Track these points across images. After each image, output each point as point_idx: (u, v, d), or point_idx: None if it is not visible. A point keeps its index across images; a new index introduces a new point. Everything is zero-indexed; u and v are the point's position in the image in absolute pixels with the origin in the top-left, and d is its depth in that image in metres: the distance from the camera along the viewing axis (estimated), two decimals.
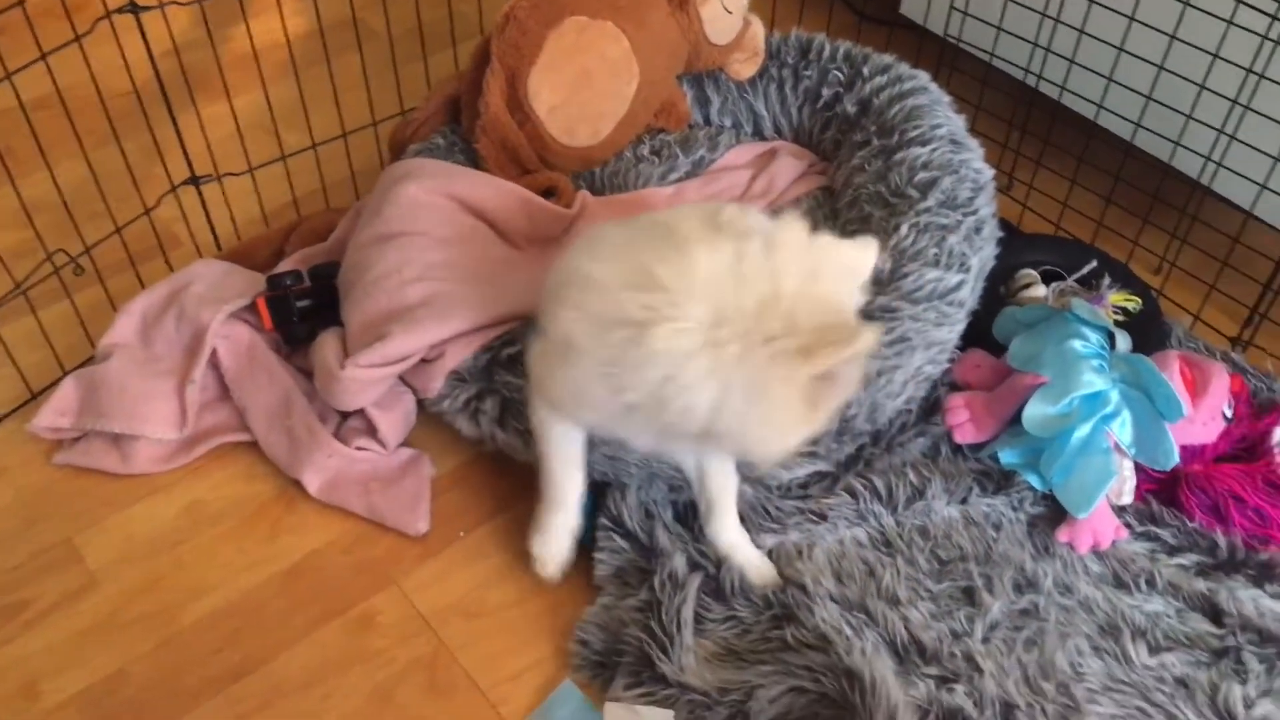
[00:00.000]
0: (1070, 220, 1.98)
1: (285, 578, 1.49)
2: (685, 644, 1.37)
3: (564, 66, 1.79)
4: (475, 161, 1.85)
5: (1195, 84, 1.73)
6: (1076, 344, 1.50)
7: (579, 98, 1.81)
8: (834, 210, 1.82)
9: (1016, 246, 1.80)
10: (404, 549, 1.53)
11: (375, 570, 1.50)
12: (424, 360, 1.57)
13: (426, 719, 1.36)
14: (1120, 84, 1.83)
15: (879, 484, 1.54)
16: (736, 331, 1.12)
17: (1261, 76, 1.67)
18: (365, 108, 1.93)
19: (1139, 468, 1.53)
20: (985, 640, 1.40)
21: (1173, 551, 1.52)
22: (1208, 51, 1.70)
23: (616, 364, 1.17)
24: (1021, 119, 1.99)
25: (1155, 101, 1.80)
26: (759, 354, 1.12)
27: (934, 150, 1.68)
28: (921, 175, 1.65)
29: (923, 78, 1.85)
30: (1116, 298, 1.74)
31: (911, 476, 1.55)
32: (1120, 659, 1.40)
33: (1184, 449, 1.52)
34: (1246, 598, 1.46)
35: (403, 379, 1.61)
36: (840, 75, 1.91)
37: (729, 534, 1.44)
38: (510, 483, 1.58)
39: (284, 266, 1.76)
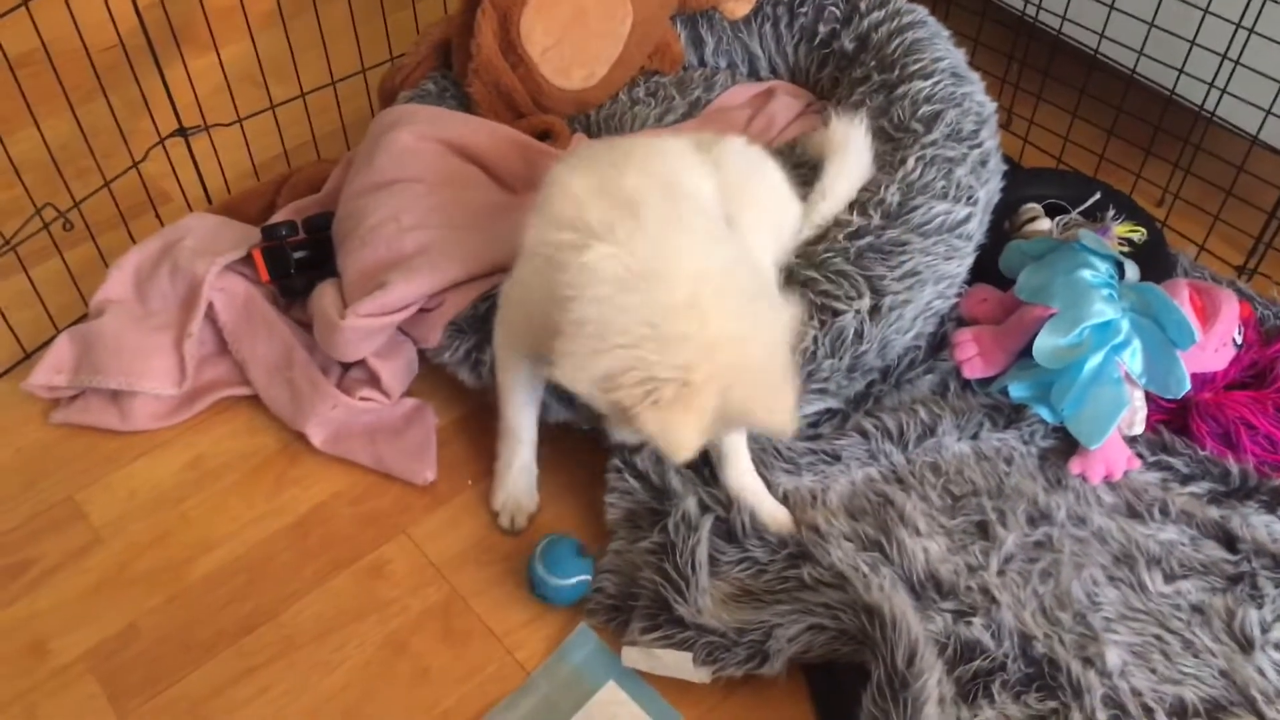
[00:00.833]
0: (1071, 154, 1.96)
1: (293, 530, 1.47)
2: (701, 585, 1.36)
3: (557, 6, 1.75)
4: (467, 106, 1.82)
5: (1199, 8, 1.71)
6: (1086, 274, 1.49)
7: (573, 38, 1.77)
8: None
9: (1019, 180, 1.78)
10: (412, 498, 1.51)
11: (384, 520, 1.49)
12: (423, 310, 1.55)
13: (442, 667, 1.35)
14: (1123, 11, 1.81)
15: (889, 422, 1.52)
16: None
17: None
18: (354, 55, 1.89)
19: (1149, 397, 1.52)
20: (1000, 573, 1.39)
21: (1185, 480, 1.51)
22: None
23: (558, 266, 1.18)
24: (1021, 53, 1.96)
25: (1158, 28, 1.77)
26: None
27: (936, 84, 1.66)
28: (925, 109, 1.63)
29: (921, 12, 1.82)
30: (1121, 229, 1.73)
31: (922, 414, 1.53)
32: (1136, 588, 1.40)
33: (1194, 377, 1.51)
34: (1259, 523, 1.45)
35: (403, 329, 1.59)
36: (837, 11, 1.88)
37: (744, 479, 1.43)
38: None
39: (278, 218, 1.73)
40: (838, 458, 1.50)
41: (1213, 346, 1.52)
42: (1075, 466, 1.50)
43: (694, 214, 1.24)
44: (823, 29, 1.90)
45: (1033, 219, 1.75)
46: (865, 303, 1.44)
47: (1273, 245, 1.80)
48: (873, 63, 1.78)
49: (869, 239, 1.48)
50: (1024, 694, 1.28)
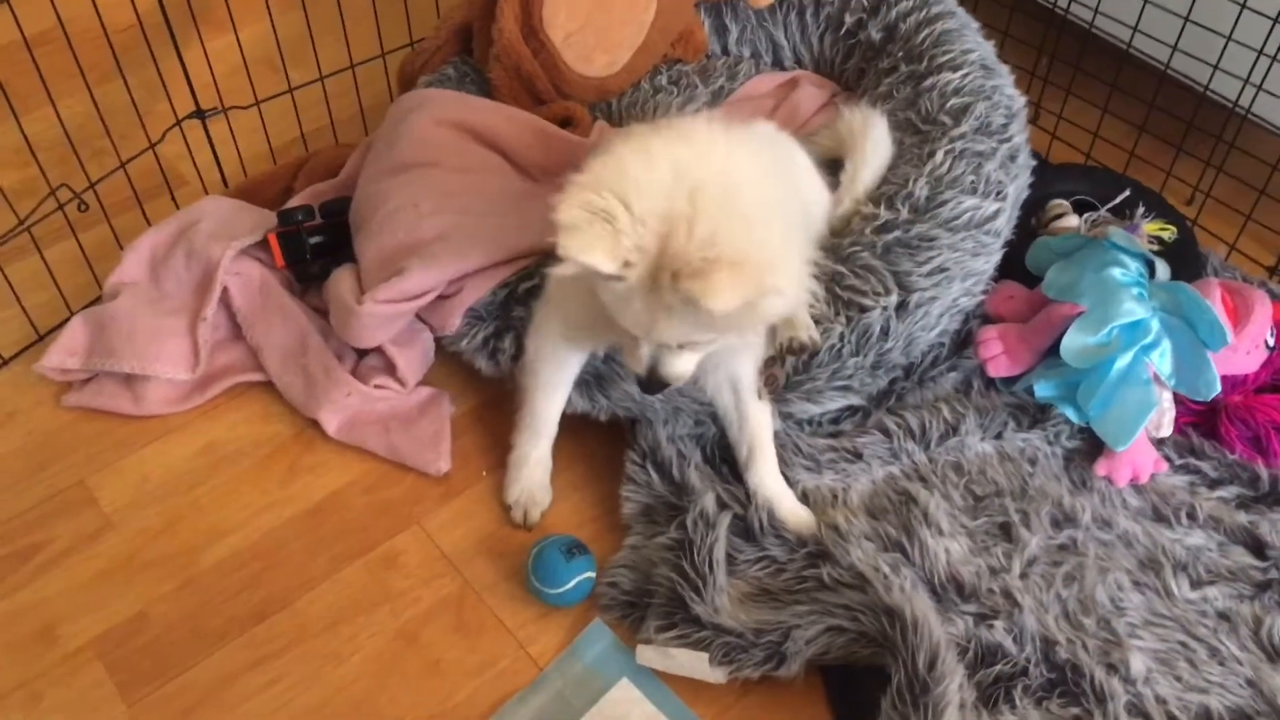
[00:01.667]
0: (1101, 150, 1.93)
1: (306, 518, 1.46)
2: (719, 584, 1.34)
3: None
4: (488, 92, 1.80)
5: (1236, 2, 1.67)
6: (1116, 272, 1.46)
7: (596, 24, 1.75)
8: None
9: (1047, 176, 1.75)
10: (425, 489, 1.50)
11: (397, 510, 1.47)
12: (441, 296, 1.53)
13: (454, 659, 1.34)
14: (1157, 5, 1.77)
15: (912, 421, 1.50)
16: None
17: None
18: (373, 39, 1.87)
19: (1177, 399, 1.49)
20: (1023, 576, 1.37)
21: (1213, 484, 1.49)
22: None
23: None
24: (1051, 46, 1.93)
25: (1193, 23, 1.74)
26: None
27: (966, 76, 1.63)
28: (954, 101, 1.59)
29: (950, 2, 1.79)
30: (1151, 226, 1.69)
31: (945, 412, 1.51)
32: (1161, 593, 1.37)
33: (1224, 379, 1.47)
34: None
35: (420, 317, 1.57)
36: (864, 1, 1.85)
37: (770, 480, 1.41)
38: None
39: (294, 202, 1.71)
40: (859, 455, 1.47)
41: (1244, 348, 1.49)
42: (1101, 468, 1.48)
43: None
44: (849, 19, 1.87)
45: (1060, 215, 1.72)
46: (893, 299, 1.41)
47: None
48: (900, 54, 1.75)
49: (897, 233, 1.45)
50: (1046, 700, 1.25)
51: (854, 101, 1.75)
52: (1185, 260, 1.65)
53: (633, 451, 1.46)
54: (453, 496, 1.49)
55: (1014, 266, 1.60)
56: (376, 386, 1.53)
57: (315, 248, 1.62)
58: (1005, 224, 1.52)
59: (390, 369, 1.55)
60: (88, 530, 1.44)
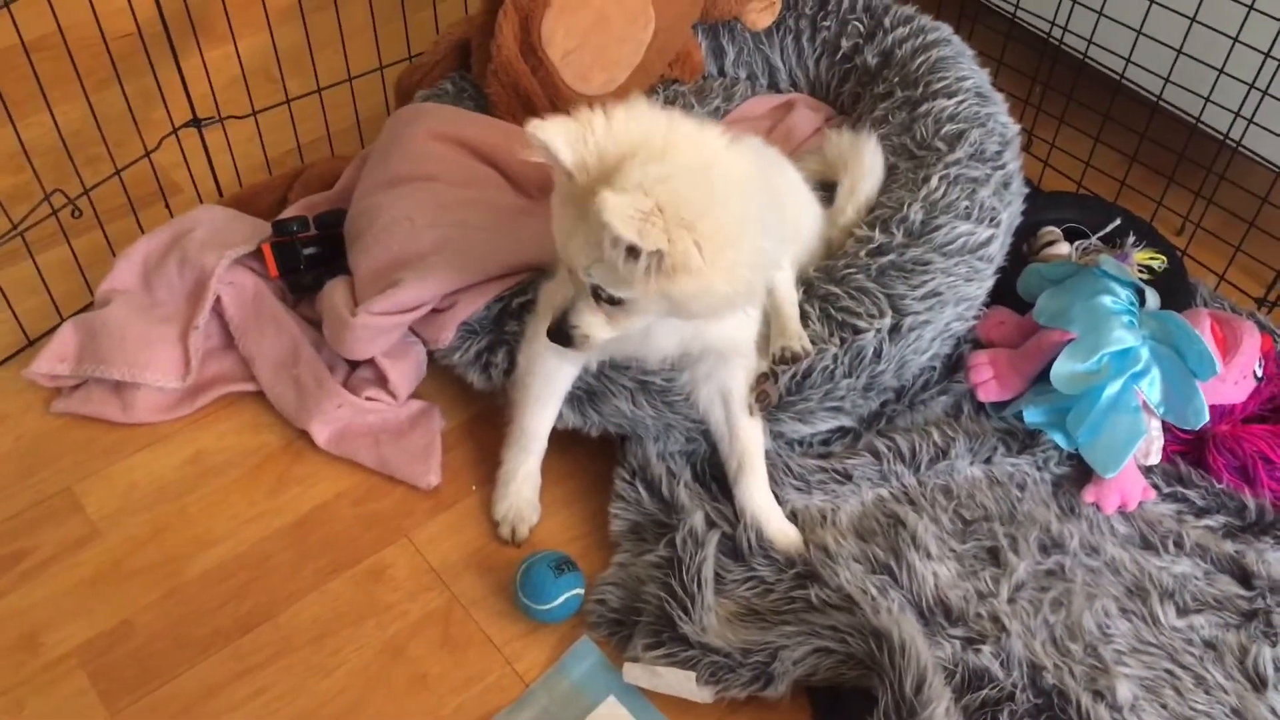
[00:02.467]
0: (1092, 179, 1.94)
1: (293, 530, 1.45)
2: (706, 603, 1.33)
3: (580, 10, 1.73)
4: (485, 108, 1.80)
5: (1228, 36, 1.69)
6: (1106, 300, 1.47)
7: (594, 43, 1.76)
8: None
9: (1039, 204, 1.76)
10: (414, 502, 1.49)
11: (385, 523, 1.47)
12: (435, 310, 1.53)
13: (440, 675, 1.33)
14: (1150, 37, 1.79)
15: (902, 444, 1.50)
16: None
17: None
18: (372, 52, 1.88)
19: (1166, 428, 1.50)
20: (1011, 601, 1.37)
21: (1200, 513, 1.49)
22: (1242, 2, 1.66)
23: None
24: (1045, 75, 1.94)
25: (1185, 55, 1.75)
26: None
27: (960, 103, 1.64)
28: (948, 128, 1.61)
29: (945, 30, 1.81)
30: (1141, 255, 1.71)
31: (935, 435, 1.51)
32: (1148, 620, 1.37)
33: (1212, 409, 1.49)
34: (1275, 559, 1.44)
35: (413, 330, 1.56)
36: (861, 26, 1.87)
37: (758, 498, 1.41)
38: None
39: (289, 213, 1.71)
40: (849, 477, 1.48)
41: (1233, 379, 1.50)
42: (1089, 495, 1.48)
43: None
44: (845, 43, 1.88)
45: (1052, 243, 1.74)
46: (886, 322, 1.42)
47: None
48: (896, 79, 1.76)
49: (891, 257, 1.46)
50: None
51: (843, 126, 1.76)
52: (1175, 290, 1.66)
53: (622, 468, 1.46)
54: (442, 510, 1.48)
55: (1006, 292, 1.61)
56: (368, 399, 1.53)
57: (309, 259, 1.61)
58: (998, 250, 1.53)
59: (382, 381, 1.54)
60: (73, 537, 1.43)
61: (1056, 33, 1.94)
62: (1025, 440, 1.54)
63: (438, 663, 1.34)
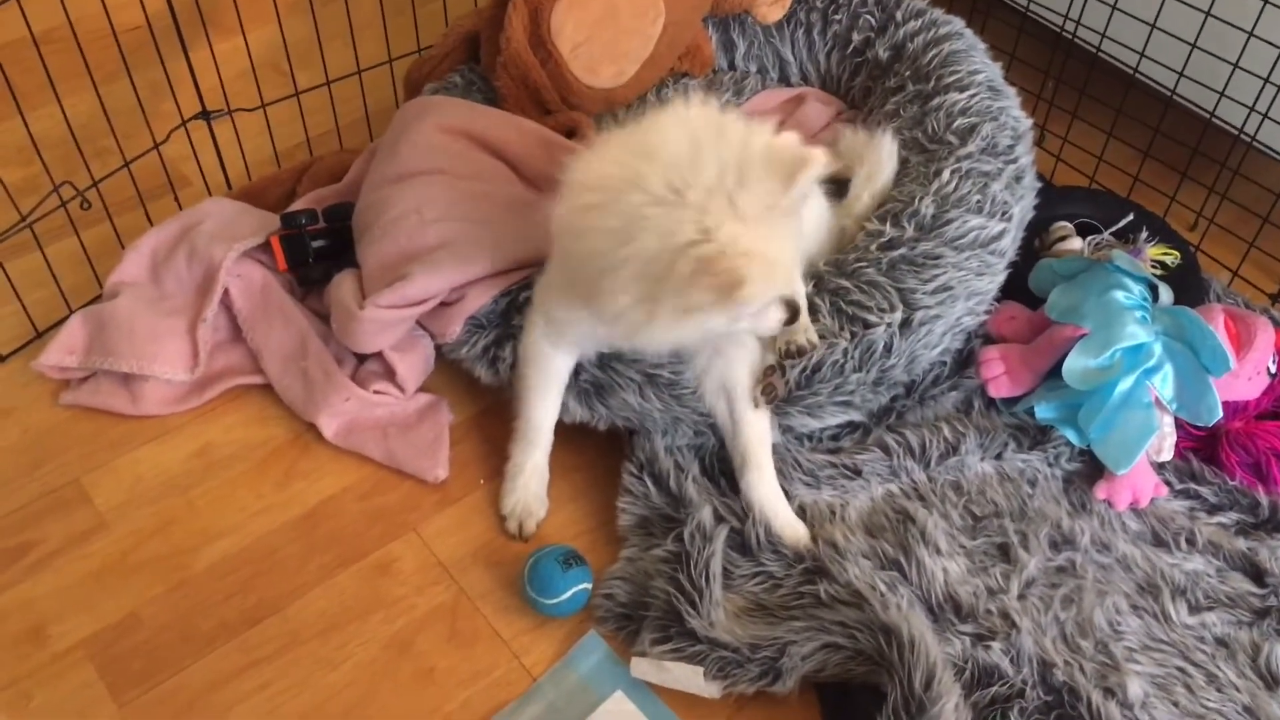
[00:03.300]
0: (1105, 174, 1.93)
1: (301, 523, 1.45)
2: (715, 598, 1.33)
3: (589, 3, 1.73)
4: (494, 101, 1.79)
5: (1243, 30, 1.68)
6: (1119, 295, 1.46)
7: (603, 35, 1.75)
8: None
9: (1051, 199, 1.74)
10: (421, 496, 1.49)
11: (392, 517, 1.46)
12: (443, 303, 1.53)
13: (447, 669, 1.33)
14: (1164, 31, 1.78)
15: (912, 439, 1.50)
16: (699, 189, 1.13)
17: None
18: (381, 45, 1.87)
19: (1178, 424, 1.49)
20: (1021, 597, 1.36)
21: (1213, 510, 1.48)
22: None
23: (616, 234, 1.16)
24: (1058, 69, 1.93)
25: (1200, 49, 1.74)
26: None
27: (973, 96, 1.63)
28: (960, 121, 1.60)
29: (958, 23, 1.80)
30: (1154, 251, 1.70)
31: (945, 431, 1.51)
32: (1160, 618, 1.36)
33: (1225, 405, 1.47)
34: None
35: (420, 323, 1.56)
36: (872, 20, 1.85)
37: (763, 490, 1.40)
38: None
39: (297, 206, 1.71)
40: (858, 472, 1.47)
41: (1246, 375, 1.49)
42: (1101, 491, 1.47)
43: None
44: (856, 37, 1.87)
45: (1064, 238, 1.72)
46: (897, 316, 1.41)
47: None
48: (907, 73, 1.75)
49: (902, 250, 1.45)
50: None
51: (856, 122, 1.75)
52: (1188, 286, 1.65)
53: (630, 462, 1.46)
54: (449, 504, 1.48)
55: (1017, 288, 1.59)
56: (376, 392, 1.53)
57: (318, 251, 1.61)
58: (1010, 244, 1.52)
59: (390, 375, 1.54)
60: (81, 529, 1.43)
61: (1070, 26, 1.93)
62: (1036, 436, 1.52)
63: (445, 657, 1.34)
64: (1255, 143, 1.77)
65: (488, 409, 1.58)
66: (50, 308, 1.63)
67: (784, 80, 1.97)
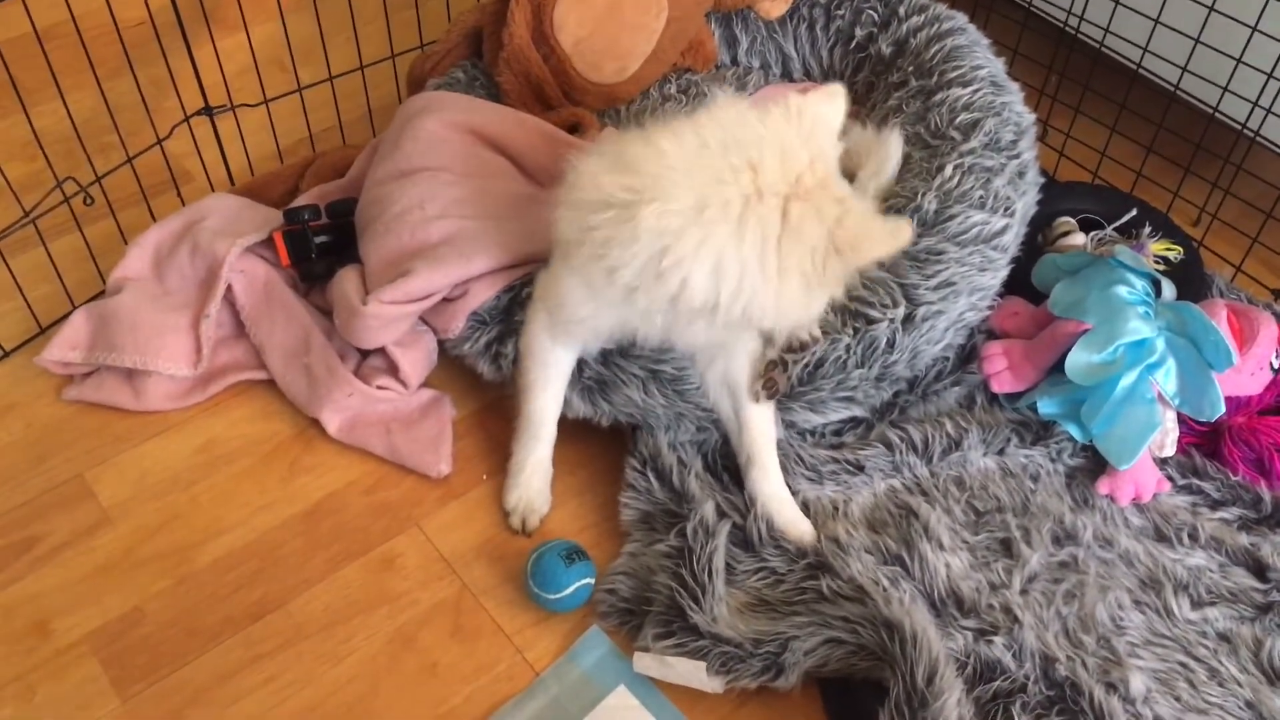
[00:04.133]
0: (1108, 169, 1.93)
1: (304, 518, 1.45)
2: (717, 593, 1.33)
3: None
4: (497, 96, 1.80)
5: (1246, 25, 1.68)
6: (1122, 290, 1.46)
7: (606, 31, 1.75)
8: None
9: (1054, 194, 1.74)
10: (425, 491, 1.49)
11: (396, 512, 1.47)
12: (446, 299, 1.53)
13: (450, 664, 1.33)
14: (1167, 26, 1.77)
15: (914, 434, 1.50)
16: (736, 201, 1.14)
17: None
18: (384, 41, 1.87)
19: (1181, 419, 1.49)
20: (1024, 592, 1.36)
21: (1215, 505, 1.48)
22: None
23: (608, 245, 1.17)
24: (1061, 64, 1.93)
25: (1203, 44, 1.74)
26: (771, 219, 1.15)
27: (975, 92, 1.63)
28: (963, 117, 1.59)
29: (960, 19, 1.79)
30: (1158, 246, 1.69)
31: (948, 426, 1.51)
32: (1162, 613, 1.36)
33: (1228, 400, 1.47)
34: None
35: (424, 319, 1.56)
36: (875, 15, 1.85)
37: (768, 487, 1.41)
38: None
39: (300, 202, 1.71)
40: (861, 468, 1.47)
41: (1249, 370, 1.48)
42: (1103, 487, 1.47)
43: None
44: (859, 32, 1.87)
45: (1067, 233, 1.72)
46: (900, 312, 1.41)
47: None
48: (910, 68, 1.75)
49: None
50: (1044, 717, 1.24)
51: (859, 118, 1.75)
52: (1191, 281, 1.65)
53: (633, 458, 1.46)
54: (452, 499, 1.48)
55: (1020, 283, 1.59)
56: (379, 387, 1.53)
57: (320, 247, 1.61)
58: (1012, 240, 1.52)
59: (393, 370, 1.54)
60: (85, 525, 1.43)
61: (1073, 22, 1.92)
62: (1039, 431, 1.53)
63: (448, 651, 1.34)
64: (1259, 138, 1.77)
65: (490, 405, 1.58)
66: (54, 303, 1.64)
67: (787, 75, 1.97)
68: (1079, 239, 1.71)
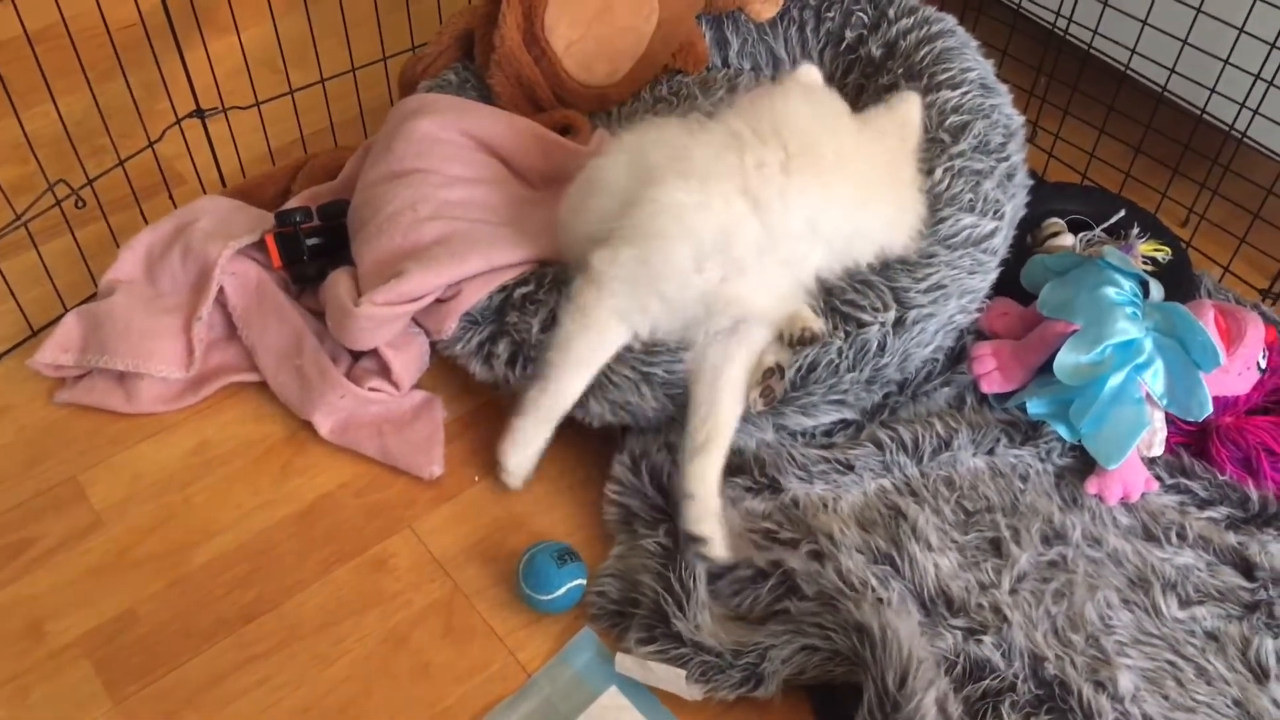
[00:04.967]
0: (1096, 170, 1.94)
1: (297, 520, 1.45)
2: (700, 599, 1.33)
3: (583, 1, 1.73)
4: (488, 98, 1.80)
5: (1233, 26, 1.69)
6: (1110, 291, 1.47)
7: (597, 33, 1.76)
8: None
9: (1043, 195, 1.75)
10: (417, 492, 1.49)
11: (388, 513, 1.47)
12: (438, 300, 1.53)
13: (443, 664, 1.33)
14: (1155, 27, 1.78)
15: (904, 434, 1.50)
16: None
17: None
18: (375, 43, 1.87)
19: (1169, 419, 1.50)
20: (1013, 592, 1.37)
21: (1203, 504, 1.49)
22: None
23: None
24: (1049, 66, 1.94)
25: (1191, 46, 1.75)
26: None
27: (965, 94, 1.63)
28: (953, 119, 1.60)
29: (950, 21, 1.80)
30: (1146, 247, 1.70)
31: (938, 427, 1.51)
32: (1150, 612, 1.37)
33: (1216, 400, 1.48)
34: (1278, 551, 1.43)
35: (416, 320, 1.57)
36: (864, 17, 1.86)
37: (714, 472, 1.36)
38: None
39: (292, 204, 1.71)
40: (851, 467, 1.48)
41: (1236, 370, 1.50)
42: (1092, 486, 1.48)
43: None
44: (849, 34, 1.88)
45: (1055, 234, 1.73)
46: (890, 315, 1.41)
47: None
48: (900, 70, 1.76)
49: None
50: (1033, 716, 1.25)
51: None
52: (1179, 281, 1.66)
53: (622, 457, 1.46)
54: (444, 501, 1.49)
55: (1009, 284, 1.60)
56: (371, 389, 1.53)
57: (312, 249, 1.62)
58: (1002, 243, 1.53)
59: (385, 372, 1.54)
60: (78, 527, 1.43)
61: (1061, 24, 1.93)
62: (1028, 432, 1.53)
63: (440, 652, 1.34)
64: (1246, 139, 1.78)
65: (482, 406, 1.59)
66: (45, 306, 1.64)
67: (777, 78, 1.97)
68: (1068, 240, 1.72)
